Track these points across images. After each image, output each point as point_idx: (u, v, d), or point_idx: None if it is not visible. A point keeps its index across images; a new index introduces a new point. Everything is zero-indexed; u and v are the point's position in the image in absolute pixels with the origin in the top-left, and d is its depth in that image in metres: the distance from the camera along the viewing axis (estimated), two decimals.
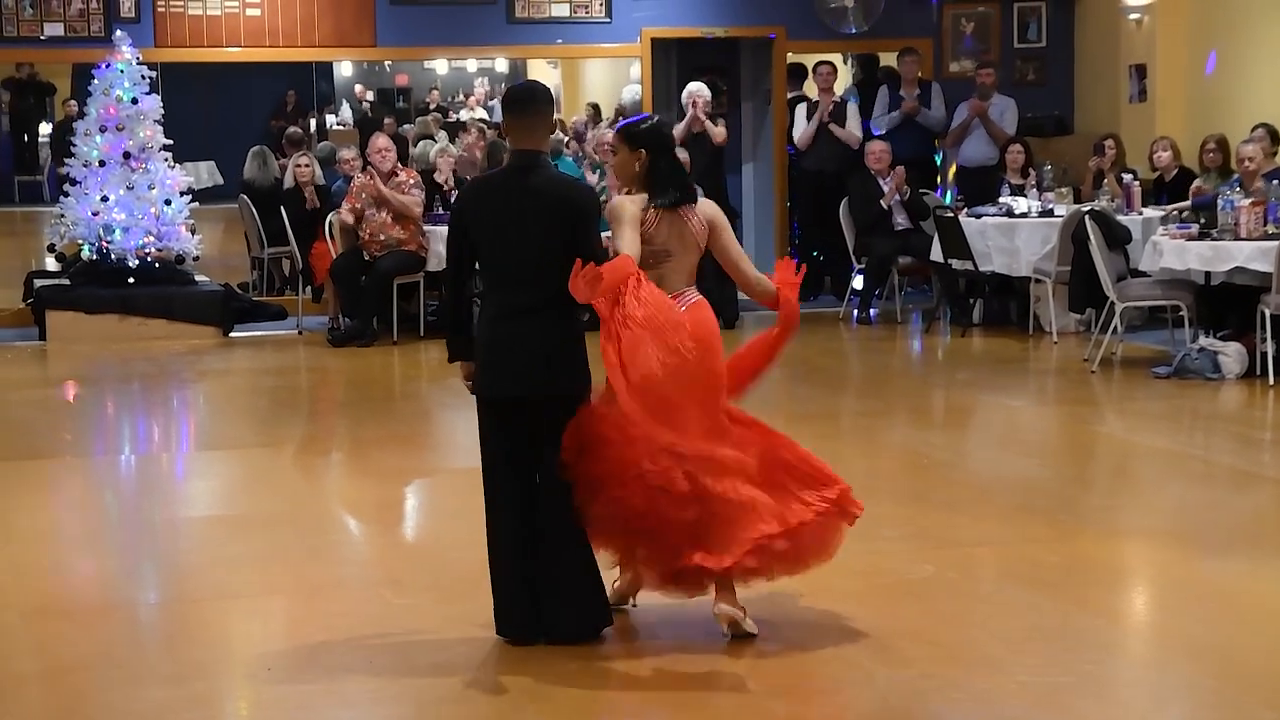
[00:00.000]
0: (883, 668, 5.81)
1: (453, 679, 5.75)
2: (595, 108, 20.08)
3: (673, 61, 16.54)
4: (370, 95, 23.48)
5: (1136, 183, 13.65)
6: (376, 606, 6.67)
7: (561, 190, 6.00)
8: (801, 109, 15.91)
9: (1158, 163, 14.07)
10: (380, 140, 14.18)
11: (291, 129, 18.04)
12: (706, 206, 6.44)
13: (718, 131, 14.95)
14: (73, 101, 20.77)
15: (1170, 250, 11.63)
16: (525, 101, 6.10)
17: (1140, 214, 13.31)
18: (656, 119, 6.58)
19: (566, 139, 17.65)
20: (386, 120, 20.67)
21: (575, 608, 6.01)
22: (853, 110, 15.70)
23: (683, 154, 14.24)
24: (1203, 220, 11.83)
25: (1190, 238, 11.65)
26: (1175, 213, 13.04)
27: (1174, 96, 15.43)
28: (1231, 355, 11.22)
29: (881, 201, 14.52)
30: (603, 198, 14.41)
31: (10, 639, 6.38)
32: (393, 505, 8.87)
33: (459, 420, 9.92)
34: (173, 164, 14.62)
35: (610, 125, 17.55)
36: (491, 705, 5.56)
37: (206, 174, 20.02)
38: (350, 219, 13.82)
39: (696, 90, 15.02)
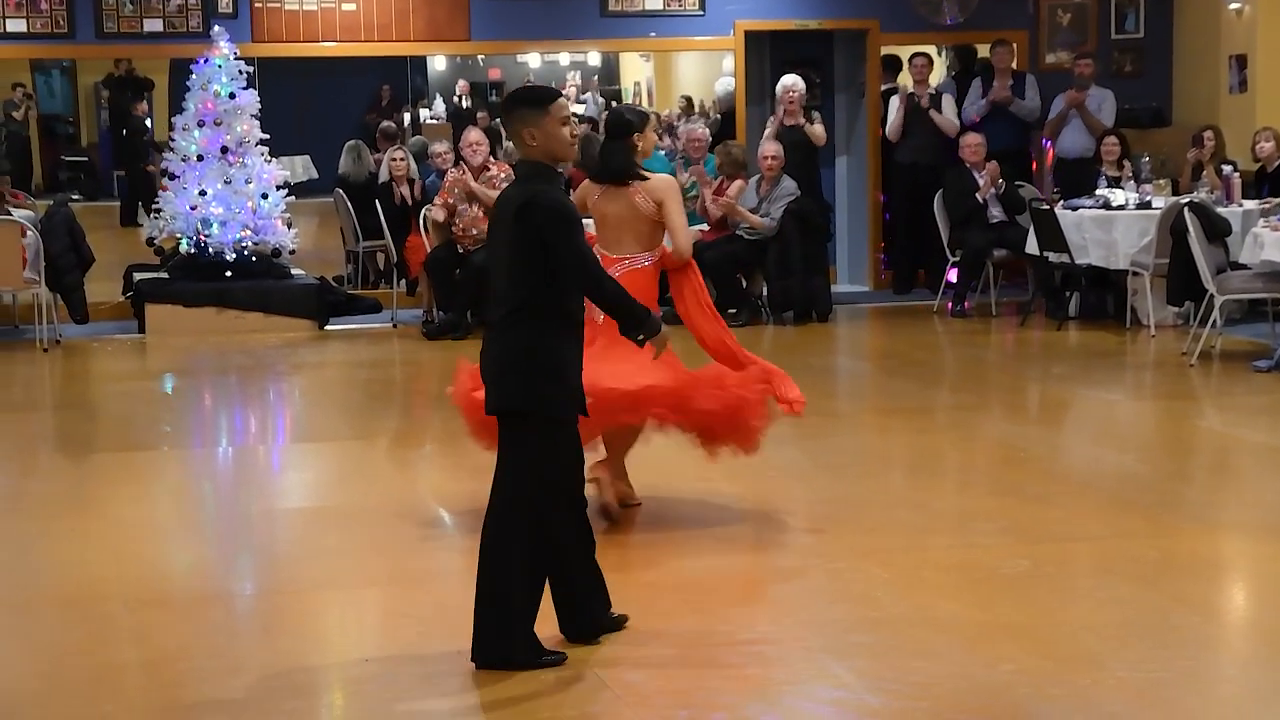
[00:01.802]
0: (978, 663, 5.78)
1: (550, 670, 5.76)
2: (688, 100, 20.09)
3: (766, 54, 16.49)
4: (468, 90, 23.55)
5: (1236, 174, 13.49)
6: (472, 598, 6.68)
7: (521, 199, 5.70)
8: (894, 100, 15.83)
9: (1260, 154, 13.90)
10: (472, 134, 14.22)
11: (385, 123, 18.15)
12: (667, 180, 7.92)
13: (817, 132, 14.88)
14: (144, 103, 21.05)
15: (1271, 242, 11.48)
16: (517, 103, 5.85)
17: (1240, 206, 13.16)
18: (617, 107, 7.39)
19: (659, 132, 17.66)
20: (480, 114, 20.74)
21: (479, 627, 5.81)
22: (948, 101, 15.61)
23: (776, 147, 14.33)
24: None
25: None
26: (1278, 208, 12.89)
27: (1275, 87, 15.23)
28: None
29: (979, 195, 14.44)
30: (692, 193, 14.51)
31: (112, 628, 6.46)
32: (487, 498, 8.87)
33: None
34: (269, 158, 14.75)
35: (702, 119, 17.53)
36: (589, 697, 5.56)
37: (302, 168, 20.20)
38: (442, 215, 13.88)
39: (790, 85, 14.97)
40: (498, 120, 20.18)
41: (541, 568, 5.84)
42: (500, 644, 5.76)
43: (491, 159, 14.26)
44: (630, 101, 22.84)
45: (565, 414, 5.81)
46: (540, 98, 5.83)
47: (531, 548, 5.79)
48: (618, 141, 7.85)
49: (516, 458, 5.78)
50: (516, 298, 5.71)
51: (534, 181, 5.75)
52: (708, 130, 15.49)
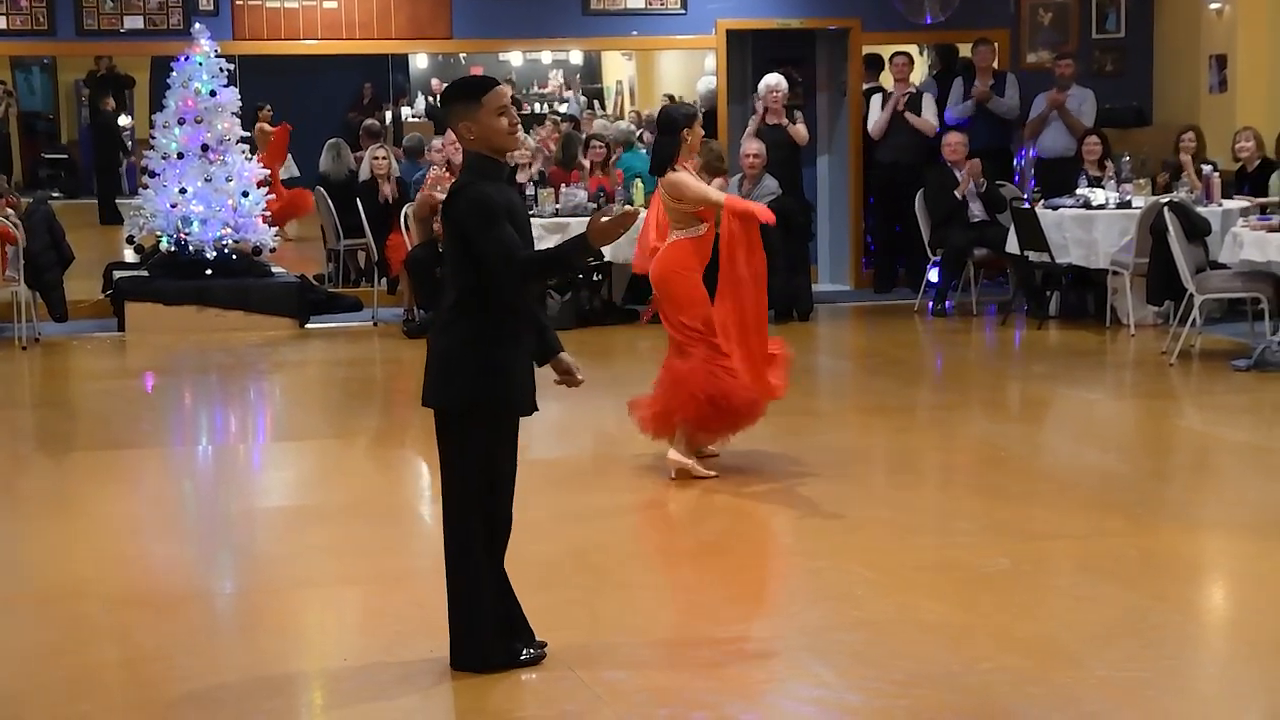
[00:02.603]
0: (958, 661, 5.78)
1: (530, 670, 5.75)
2: (671, 99, 20.05)
3: (748, 53, 16.50)
4: (440, 89, 23.48)
5: (1216, 174, 13.52)
6: None
7: (449, 193, 5.65)
8: (876, 99, 15.85)
9: (1240, 153, 13.92)
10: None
11: (369, 121, 18.09)
12: (669, 176, 8.56)
13: (799, 132, 14.86)
14: (110, 98, 20.99)
15: (1251, 242, 11.52)
16: (449, 100, 5.71)
17: (1220, 205, 13.18)
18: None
19: (639, 131, 17.62)
20: None
21: (452, 631, 5.79)
22: (928, 101, 15.63)
23: (758, 145, 14.31)
24: None
25: (1271, 229, 11.53)
26: (1257, 208, 12.92)
27: (1255, 87, 15.27)
28: None
29: (956, 193, 14.44)
30: None
31: (91, 627, 6.44)
32: None
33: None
34: (250, 156, 14.72)
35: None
36: (568, 696, 5.55)
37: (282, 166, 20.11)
38: (427, 209, 13.83)
39: (774, 84, 14.96)
40: None
41: (501, 561, 5.81)
42: (475, 647, 5.73)
43: None
44: (612, 100, 22.83)
45: (509, 411, 5.73)
46: (472, 90, 5.64)
47: (492, 545, 5.75)
48: (665, 137, 8.62)
49: (463, 455, 5.69)
50: (454, 292, 5.64)
51: (469, 174, 5.64)
52: None
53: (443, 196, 13.51)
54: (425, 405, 5.78)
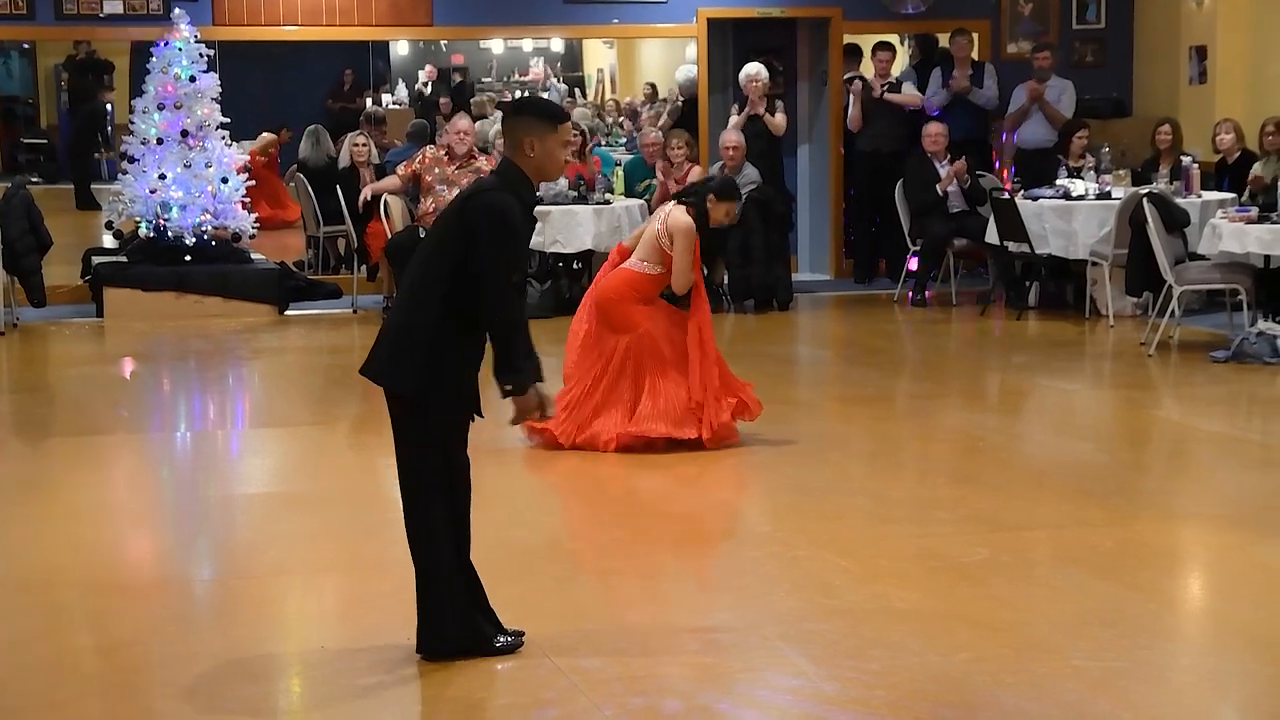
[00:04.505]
0: (935, 651, 5.79)
1: (506, 659, 5.75)
2: (653, 88, 20.07)
3: (729, 41, 16.49)
4: (434, 75, 23.42)
5: (1195, 165, 13.54)
6: None
7: (460, 200, 5.65)
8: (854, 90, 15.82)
9: (1220, 145, 13.93)
10: (462, 123, 14.00)
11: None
12: (682, 219, 8.96)
13: (777, 122, 14.85)
14: (109, 90, 20.96)
15: (1229, 233, 11.55)
16: (526, 110, 5.77)
17: (1199, 197, 13.20)
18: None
19: (620, 119, 17.61)
20: (442, 100, 20.65)
21: (419, 621, 5.79)
22: (909, 89, 15.62)
23: (738, 137, 14.28)
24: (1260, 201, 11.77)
25: (1250, 221, 11.57)
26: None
27: (1234, 79, 15.30)
28: None
29: (939, 188, 14.43)
30: (646, 196, 14.47)
31: (67, 614, 6.43)
32: None
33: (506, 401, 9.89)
34: (230, 142, 14.68)
35: (663, 118, 17.43)
36: (544, 683, 5.55)
37: None
38: (395, 183, 13.75)
39: (754, 74, 14.94)
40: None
41: (466, 546, 5.80)
42: (436, 633, 5.73)
43: (481, 154, 14.03)
44: (593, 88, 22.81)
45: (448, 408, 5.66)
46: (554, 115, 5.72)
47: (456, 532, 5.75)
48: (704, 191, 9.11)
49: (414, 438, 5.67)
50: (425, 282, 5.59)
51: (502, 180, 5.62)
52: (659, 134, 15.34)
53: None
54: (362, 374, 5.70)
